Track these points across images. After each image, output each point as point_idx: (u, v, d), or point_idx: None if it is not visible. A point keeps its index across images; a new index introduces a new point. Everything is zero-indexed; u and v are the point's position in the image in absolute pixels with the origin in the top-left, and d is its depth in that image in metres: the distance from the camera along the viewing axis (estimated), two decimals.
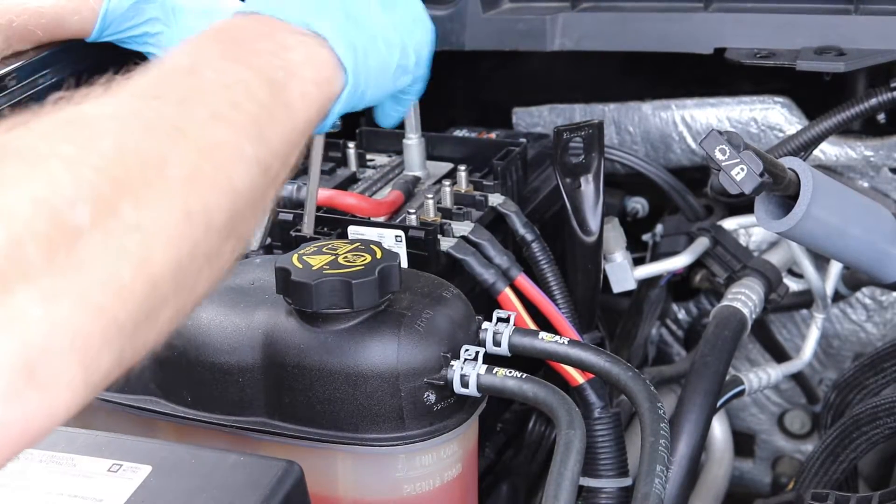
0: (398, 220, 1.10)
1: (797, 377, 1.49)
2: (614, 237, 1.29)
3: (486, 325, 0.94)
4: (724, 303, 1.23)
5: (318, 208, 1.11)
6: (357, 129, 1.31)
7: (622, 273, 1.30)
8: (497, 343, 0.93)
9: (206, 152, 0.58)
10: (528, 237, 1.12)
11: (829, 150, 1.39)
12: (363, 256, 0.89)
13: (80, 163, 0.52)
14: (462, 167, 1.16)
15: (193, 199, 0.57)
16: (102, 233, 0.51)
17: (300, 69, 0.69)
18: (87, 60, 1.15)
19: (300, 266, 0.88)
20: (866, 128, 1.40)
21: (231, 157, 0.60)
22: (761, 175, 0.85)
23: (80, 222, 0.50)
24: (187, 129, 0.58)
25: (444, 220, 1.09)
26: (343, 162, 1.24)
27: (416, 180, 1.19)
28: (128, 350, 0.54)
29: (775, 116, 1.41)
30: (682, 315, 1.58)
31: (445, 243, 1.06)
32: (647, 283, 1.40)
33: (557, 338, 0.93)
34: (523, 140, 1.26)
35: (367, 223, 1.08)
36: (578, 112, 1.50)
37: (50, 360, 0.48)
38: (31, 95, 1.10)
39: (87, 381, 0.51)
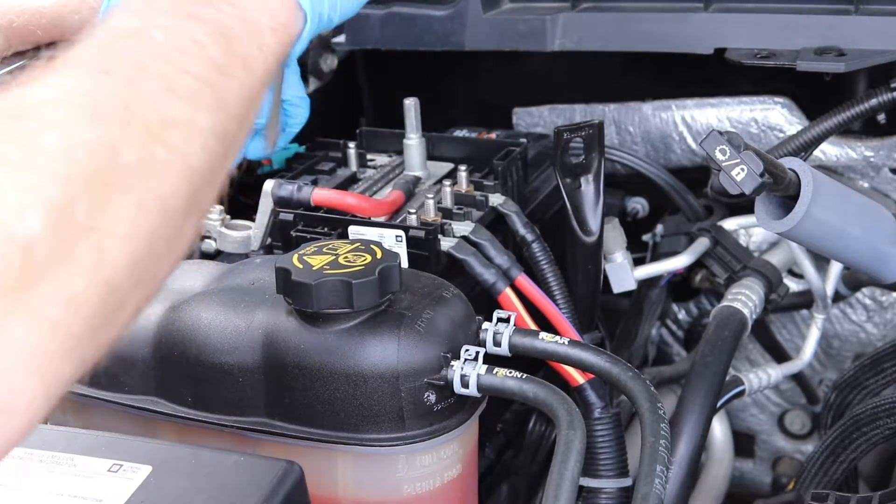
0: (398, 220, 1.10)
1: (797, 377, 1.49)
2: (614, 237, 1.29)
3: (486, 325, 0.94)
4: (725, 303, 1.23)
5: (319, 208, 1.11)
6: (357, 129, 1.31)
7: (622, 273, 1.30)
8: (497, 343, 0.93)
9: (158, 135, 0.55)
10: (529, 237, 1.12)
11: (829, 151, 1.39)
12: (363, 256, 0.89)
13: (25, 166, 0.49)
14: (462, 167, 1.16)
15: (148, 189, 0.54)
16: (55, 241, 0.49)
17: (256, 17, 0.66)
18: None
19: (300, 266, 0.88)
20: (866, 128, 1.40)
21: (185, 135, 0.57)
22: (761, 175, 0.85)
23: (31, 233, 0.48)
24: (138, 108, 0.55)
25: (444, 220, 1.09)
26: (343, 162, 1.24)
27: (417, 180, 1.19)
28: (88, 356, 0.52)
29: (775, 117, 1.41)
30: (682, 315, 1.58)
31: (446, 243, 1.06)
32: (647, 284, 1.40)
33: (557, 338, 0.93)
34: (523, 140, 1.26)
35: (368, 223, 1.08)
36: (579, 112, 1.50)
37: (9, 384, 0.47)
38: None
39: (47, 395, 0.50)
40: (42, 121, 0.51)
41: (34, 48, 1.10)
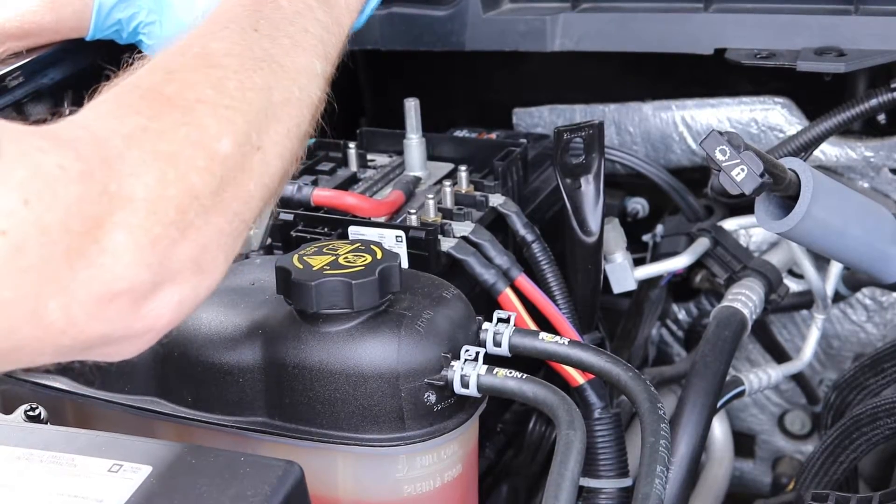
0: (399, 221, 1.10)
1: (797, 378, 1.49)
2: (614, 237, 1.29)
3: (486, 325, 0.94)
4: (725, 303, 1.23)
5: (319, 208, 1.11)
6: (357, 129, 1.31)
7: (622, 273, 1.30)
8: (497, 343, 0.93)
9: (294, 78, 0.77)
10: (529, 237, 1.12)
11: (829, 151, 1.39)
12: (363, 257, 0.89)
13: (217, 104, 0.69)
14: (462, 167, 1.16)
15: (290, 119, 0.75)
16: (240, 157, 0.69)
17: None
18: (88, 60, 1.15)
19: (300, 266, 0.88)
20: (866, 128, 1.40)
21: (310, 79, 0.79)
22: (761, 175, 0.85)
23: (225, 151, 0.68)
24: (281, 59, 0.76)
25: (444, 221, 1.09)
26: (344, 162, 1.24)
27: (417, 180, 1.19)
28: (246, 237, 0.73)
29: (775, 117, 1.41)
30: (682, 315, 1.58)
31: (446, 244, 1.06)
32: (647, 284, 1.40)
33: (558, 338, 0.93)
34: (524, 140, 1.26)
35: (368, 223, 1.08)
36: (579, 112, 1.50)
37: (208, 255, 0.67)
38: (32, 95, 1.10)
39: (226, 264, 0.70)
40: (226, 69, 0.72)
41: (32, 49, 1.10)
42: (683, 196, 1.42)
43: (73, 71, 1.14)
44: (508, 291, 1.06)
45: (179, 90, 0.68)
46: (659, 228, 1.44)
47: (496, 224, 1.13)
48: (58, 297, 0.59)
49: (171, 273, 0.64)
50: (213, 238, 0.67)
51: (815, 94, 1.38)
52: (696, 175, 1.47)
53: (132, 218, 0.62)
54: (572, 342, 0.92)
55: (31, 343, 0.60)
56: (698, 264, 1.36)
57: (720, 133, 0.86)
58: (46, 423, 0.92)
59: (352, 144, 1.24)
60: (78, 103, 1.14)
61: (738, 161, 0.85)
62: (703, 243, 1.34)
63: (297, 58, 0.78)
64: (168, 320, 0.66)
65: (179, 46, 0.73)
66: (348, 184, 1.20)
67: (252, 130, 0.70)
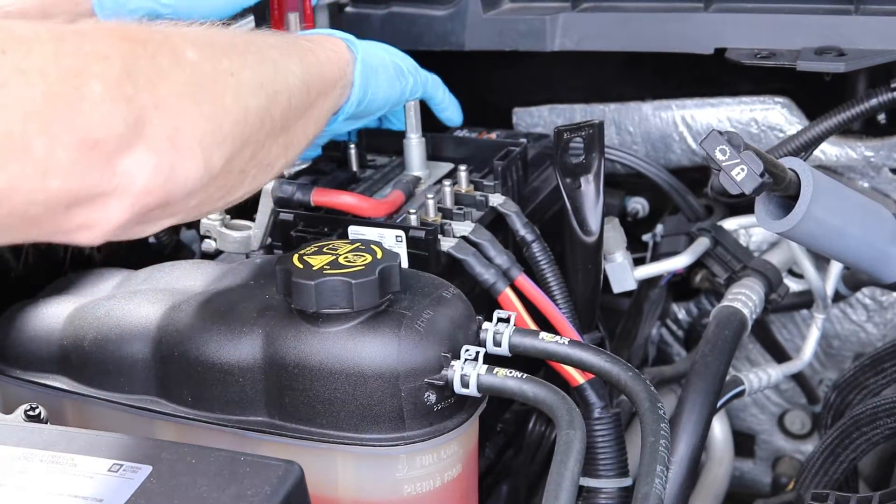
0: (398, 220, 1.10)
1: (797, 377, 1.49)
2: (614, 237, 1.29)
3: (486, 325, 0.94)
4: (725, 303, 1.23)
5: (318, 209, 1.11)
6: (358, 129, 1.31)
7: (622, 273, 1.30)
8: (497, 343, 0.93)
9: (269, 61, 0.83)
10: (529, 237, 1.12)
11: (829, 151, 1.39)
12: (363, 256, 0.89)
13: (185, 40, 0.74)
14: (462, 167, 1.16)
15: (265, 75, 0.81)
16: (208, 67, 0.74)
17: (322, 43, 0.95)
18: None
19: (301, 266, 0.88)
20: (866, 128, 1.40)
21: (285, 68, 0.85)
22: (761, 175, 0.85)
23: (192, 57, 0.73)
24: (257, 44, 0.83)
25: (444, 221, 1.09)
26: (344, 162, 1.24)
27: (417, 180, 1.19)
28: (233, 160, 0.76)
29: (775, 117, 1.41)
30: (682, 315, 1.58)
31: (446, 243, 1.06)
32: (647, 284, 1.40)
33: (558, 338, 0.93)
34: (523, 140, 1.26)
35: (368, 223, 1.08)
36: (579, 112, 1.50)
37: (182, 136, 0.71)
38: None
39: (206, 166, 0.73)
40: (193, 43, 0.76)
41: None
42: (683, 196, 1.42)
43: None
44: (508, 291, 1.06)
45: (145, 30, 0.73)
46: (659, 228, 1.44)
47: (496, 224, 1.13)
48: (41, 136, 0.63)
49: (143, 134, 0.68)
50: (187, 123, 0.71)
51: (815, 93, 1.38)
52: (696, 175, 1.47)
53: (108, 72, 0.67)
54: (572, 342, 0.92)
55: (21, 182, 0.64)
56: (698, 264, 1.36)
57: (720, 133, 0.86)
58: (46, 423, 0.92)
59: (352, 144, 1.24)
60: None
61: (738, 161, 0.85)
62: (703, 243, 1.34)
63: (273, 53, 0.84)
64: (142, 185, 0.69)
65: None
66: (348, 183, 1.20)
67: (223, 56, 0.76)
